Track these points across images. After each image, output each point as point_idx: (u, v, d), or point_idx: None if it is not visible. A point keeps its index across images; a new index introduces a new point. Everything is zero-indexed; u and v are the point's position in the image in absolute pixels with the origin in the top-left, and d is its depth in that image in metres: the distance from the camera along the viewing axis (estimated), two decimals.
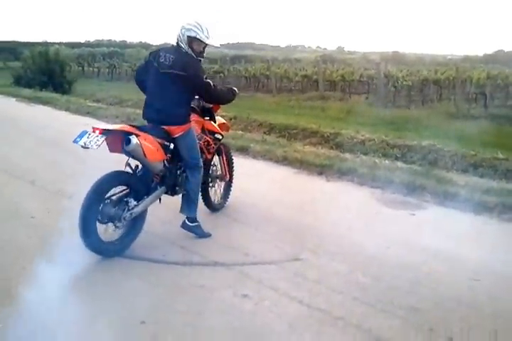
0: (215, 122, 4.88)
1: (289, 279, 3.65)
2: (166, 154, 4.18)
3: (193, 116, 4.49)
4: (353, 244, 4.32)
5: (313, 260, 3.99)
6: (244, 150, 7.61)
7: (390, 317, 3.16)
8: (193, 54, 4.21)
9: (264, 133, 9.70)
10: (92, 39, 58.22)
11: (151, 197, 4.19)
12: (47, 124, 10.13)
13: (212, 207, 5.10)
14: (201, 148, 4.54)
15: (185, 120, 4.26)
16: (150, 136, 4.03)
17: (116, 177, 3.97)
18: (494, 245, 4.37)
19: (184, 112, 4.26)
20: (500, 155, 6.89)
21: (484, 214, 5.06)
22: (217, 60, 31.91)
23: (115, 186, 3.95)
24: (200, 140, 4.54)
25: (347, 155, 7.34)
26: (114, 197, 3.94)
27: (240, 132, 9.33)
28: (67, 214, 3.97)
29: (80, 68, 35.33)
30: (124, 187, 4.03)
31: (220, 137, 4.88)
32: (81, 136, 3.82)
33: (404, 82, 18.45)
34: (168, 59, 4.16)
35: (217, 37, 4.33)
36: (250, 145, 7.73)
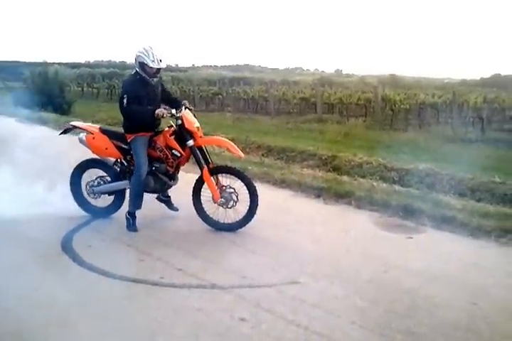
0: (184, 140, 5.16)
1: (286, 302, 3.64)
2: (121, 154, 5.34)
3: (166, 132, 5.22)
4: (351, 268, 4.32)
5: (311, 283, 3.98)
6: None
7: None
8: (146, 76, 5.03)
9: (262, 155, 9.74)
10: (91, 60, 58.64)
11: (113, 183, 5.46)
12: (45, 145, 10.13)
13: (217, 227, 5.18)
14: (161, 159, 5.23)
15: (129, 130, 5.16)
16: (104, 137, 5.37)
17: (91, 162, 5.56)
18: (492, 269, 4.38)
19: (127, 124, 5.18)
20: (497, 179, 6.92)
21: (481, 238, 5.07)
22: (216, 81, 32.22)
23: (89, 168, 5.55)
24: (160, 152, 5.21)
25: (344, 178, 7.37)
26: (94, 178, 5.54)
27: None
28: None
29: (80, 89, 35.59)
30: (104, 173, 5.52)
31: (178, 154, 5.22)
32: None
33: (401, 106, 18.59)
34: None
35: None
36: (248, 168, 7.75)
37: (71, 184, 5.61)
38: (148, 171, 5.21)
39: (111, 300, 3.67)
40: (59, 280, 3.97)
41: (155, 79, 5.14)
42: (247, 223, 5.14)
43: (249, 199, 5.08)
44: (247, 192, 5.08)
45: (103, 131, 5.47)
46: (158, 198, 5.71)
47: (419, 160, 8.07)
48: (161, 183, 5.34)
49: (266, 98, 23.43)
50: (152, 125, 5.22)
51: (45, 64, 23.96)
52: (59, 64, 25.74)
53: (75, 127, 5.65)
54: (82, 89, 35.85)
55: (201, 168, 5.17)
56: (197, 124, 5.17)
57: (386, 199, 6.08)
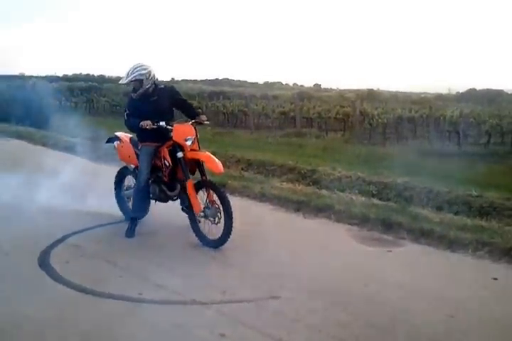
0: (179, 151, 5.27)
1: (267, 317, 3.63)
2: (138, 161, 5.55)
3: (168, 143, 5.32)
4: (331, 282, 4.33)
5: (291, 298, 3.98)
6: (221, 187, 7.61)
7: None
8: (136, 91, 5.34)
9: (242, 169, 9.73)
10: (70, 73, 58.13)
11: (131, 189, 5.78)
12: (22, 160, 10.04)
13: (207, 243, 5.16)
14: (159, 167, 5.42)
15: (139, 140, 5.50)
16: (130, 145, 5.70)
17: (125, 168, 6.04)
18: (469, 282, 4.43)
19: (137, 134, 5.53)
20: (474, 193, 7.02)
21: (459, 251, 5.13)
22: (195, 95, 32.19)
23: (127, 174, 6.03)
24: (159, 161, 5.41)
25: (324, 192, 7.39)
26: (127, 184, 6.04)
27: None
28: None
29: (58, 102, 35.25)
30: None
31: (167, 164, 5.37)
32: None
33: (379, 120, 18.80)
34: None
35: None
36: (228, 182, 7.75)
37: (114, 188, 6.13)
38: (153, 179, 5.47)
39: (88, 317, 3.62)
40: (35, 297, 3.90)
41: (151, 91, 5.32)
42: (224, 242, 5.07)
43: (223, 220, 5.06)
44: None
45: (131, 140, 5.76)
46: (183, 209, 5.55)
47: (397, 174, 8.15)
48: (162, 192, 5.52)
49: (245, 112, 23.50)
50: (158, 135, 5.29)
51: (22, 77, 23.78)
52: (36, 77, 25.58)
53: (116, 136, 5.99)
54: (60, 103, 35.53)
55: (185, 181, 5.21)
56: (189, 137, 5.18)
57: (365, 213, 6.12)
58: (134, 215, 5.56)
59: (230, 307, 3.80)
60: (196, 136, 5.27)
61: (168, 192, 5.51)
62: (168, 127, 5.23)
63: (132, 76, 5.21)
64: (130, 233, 5.42)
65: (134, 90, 5.35)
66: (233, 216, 5.01)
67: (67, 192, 6.49)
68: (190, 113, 5.55)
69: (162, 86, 5.49)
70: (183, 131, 5.22)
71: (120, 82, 5.53)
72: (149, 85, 5.27)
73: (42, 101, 21.83)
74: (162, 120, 5.23)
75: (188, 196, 5.22)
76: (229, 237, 5.04)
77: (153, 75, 5.29)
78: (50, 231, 5.40)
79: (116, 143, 5.93)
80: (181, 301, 3.88)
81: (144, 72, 5.21)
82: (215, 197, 5.16)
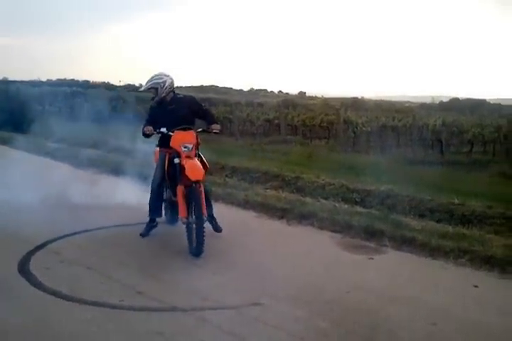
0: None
1: (248, 324, 3.62)
2: None
3: (169, 151, 5.44)
4: (313, 289, 4.32)
5: (273, 305, 3.96)
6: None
7: None
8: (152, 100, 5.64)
9: (226, 176, 9.71)
10: (54, 78, 57.66)
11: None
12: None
13: (190, 250, 5.11)
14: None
15: (158, 145, 5.73)
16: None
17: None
18: (451, 289, 4.45)
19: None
20: (456, 201, 7.06)
21: (440, 258, 5.15)
22: None
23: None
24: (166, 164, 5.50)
25: (307, 199, 7.40)
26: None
27: None
28: None
29: (41, 107, 34.92)
30: None
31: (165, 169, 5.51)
32: None
33: (363, 128, 18.95)
34: None
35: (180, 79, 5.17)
36: (212, 189, 7.73)
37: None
38: (164, 183, 5.68)
39: (68, 323, 3.57)
40: (14, 304, 3.85)
41: (169, 99, 5.57)
42: (198, 252, 5.00)
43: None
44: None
45: None
46: (208, 217, 5.55)
47: (380, 182, 8.19)
48: (170, 196, 5.71)
49: (230, 119, 23.50)
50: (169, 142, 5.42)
51: (5, 81, 23.57)
52: (20, 82, 25.36)
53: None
54: (44, 108, 35.20)
55: (176, 185, 5.35)
56: (186, 144, 5.26)
57: (348, 221, 6.13)
58: (150, 216, 5.72)
59: (212, 314, 3.77)
60: (197, 143, 5.40)
61: (173, 198, 5.59)
62: (170, 133, 5.35)
63: (149, 84, 5.52)
64: (144, 232, 5.64)
65: (153, 98, 5.60)
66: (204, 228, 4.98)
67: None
68: (208, 122, 5.72)
69: (181, 95, 5.73)
70: (181, 138, 5.32)
71: (139, 90, 5.91)
72: (164, 94, 5.51)
73: (25, 106, 21.67)
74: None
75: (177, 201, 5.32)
76: (201, 247, 4.97)
77: (170, 85, 5.52)
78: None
79: (156, 148, 5.91)
80: (162, 308, 3.85)
81: (159, 81, 5.47)
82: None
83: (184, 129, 5.40)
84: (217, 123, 5.71)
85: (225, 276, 4.56)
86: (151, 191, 5.70)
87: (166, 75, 5.54)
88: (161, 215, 5.81)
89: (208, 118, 5.76)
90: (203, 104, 5.86)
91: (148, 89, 5.55)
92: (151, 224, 5.74)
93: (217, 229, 5.67)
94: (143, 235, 5.63)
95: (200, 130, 5.56)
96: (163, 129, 5.40)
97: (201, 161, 5.46)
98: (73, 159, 10.19)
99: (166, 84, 5.49)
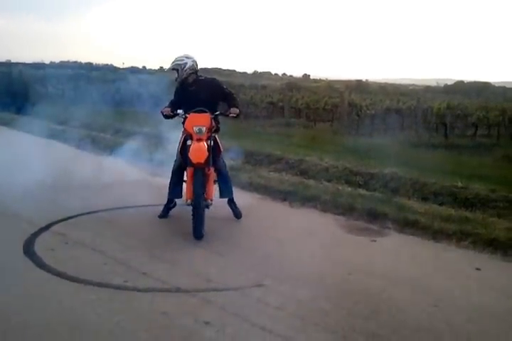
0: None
1: (251, 305, 3.64)
2: None
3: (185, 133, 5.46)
4: (316, 271, 4.35)
5: (276, 286, 3.99)
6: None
7: None
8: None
9: (230, 158, 9.71)
10: (57, 60, 57.32)
11: None
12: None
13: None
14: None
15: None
16: None
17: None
18: (452, 271, 4.47)
19: None
20: (460, 184, 7.06)
21: (443, 241, 5.18)
22: None
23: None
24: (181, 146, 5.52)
25: (311, 182, 7.41)
26: None
27: None
28: None
29: (44, 89, 34.82)
30: None
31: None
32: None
33: (367, 111, 18.84)
34: None
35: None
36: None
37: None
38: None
39: (73, 304, 3.61)
40: (19, 285, 3.88)
41: (191, 81, 5.52)
42: (198, 235, 5.02)
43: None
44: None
45: None
46: (228, 202, 5.77)
47: (383, 165, 8.18)
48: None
49: None
50: None
51: (8, 64, 23.49)
52: (23, 64, 25.26)
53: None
54: (47, 90, 35.11)
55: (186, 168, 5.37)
56: (199, 126, 5.23)
57: (351, 203, 6.15)
58: (168, 196, 5.72)
59: (215, 295, 3.81)
60: (211, 126, 5.33)
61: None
62: (186, 115, 5.34)
63: (171, 66, 5.54)
64: (162, 214, 5.70)
65: (176, 79, 5.61)
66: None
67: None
68: (228, 105, 5.65)
69: (203, 77, 5.67)
70: (195, 120, 5.29)
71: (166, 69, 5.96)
72: (185, 75, 5.49)
73: (28, 88, 21.64)
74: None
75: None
76: (201, 230, 5.01)
77: (190, 67, 5.48)
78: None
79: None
80: (166, 289, 3.88)
81: (180, 62, 5.46)
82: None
83: (200, 112, 5.34)
84: (237, 107, 5.56)
85: (229, 258, 4.58)
86: (172, 173, 5.70)
87: (187, 57, 5.51)
88: (180, 196, 5.67)
89: (229, 101, 5.65)
90: (225, 87, 5.71)
91: (171, 70, 5.57)
92: (169, 205, 5.74)
93: (237, 215, 5.73)
94: (161, 216, 5.66)
95: (217, 113, 5.45)
96: (180, 111, 5.39)
97: (215, 144, 5.46)
98: (77, 141, 10.20)
99: (187, 66, 5.46)
